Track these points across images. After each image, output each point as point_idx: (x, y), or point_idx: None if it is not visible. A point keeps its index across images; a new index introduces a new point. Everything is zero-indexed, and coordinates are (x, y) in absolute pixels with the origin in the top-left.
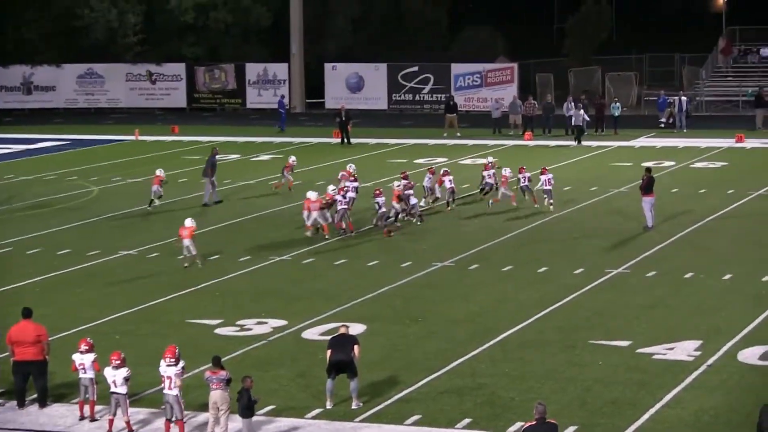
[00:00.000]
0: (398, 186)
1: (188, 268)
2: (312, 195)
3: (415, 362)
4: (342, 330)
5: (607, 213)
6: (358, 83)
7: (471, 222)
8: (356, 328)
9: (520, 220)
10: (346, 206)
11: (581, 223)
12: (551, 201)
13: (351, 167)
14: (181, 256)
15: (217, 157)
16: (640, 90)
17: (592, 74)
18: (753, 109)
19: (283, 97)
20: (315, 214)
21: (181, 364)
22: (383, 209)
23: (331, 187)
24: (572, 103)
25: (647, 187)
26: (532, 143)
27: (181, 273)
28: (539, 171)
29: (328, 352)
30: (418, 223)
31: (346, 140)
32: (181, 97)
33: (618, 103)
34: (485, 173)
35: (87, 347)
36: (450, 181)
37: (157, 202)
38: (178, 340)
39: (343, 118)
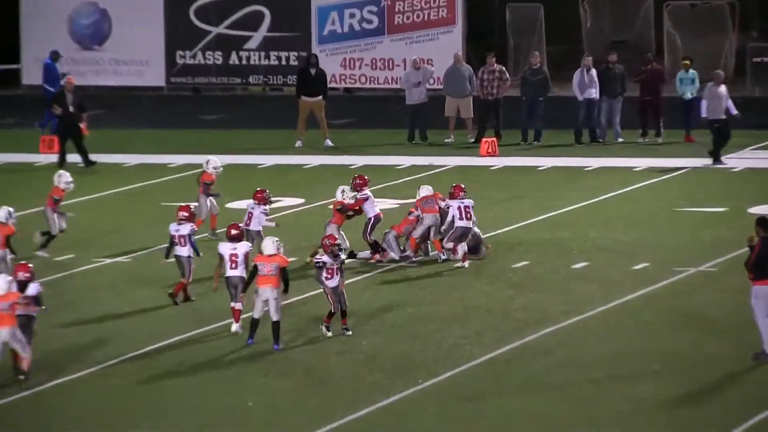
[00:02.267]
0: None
1: None
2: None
3: None
4: None
5: (669, 321)
6: (100, 29)
7: (338, 351)
8: None
9: (457, 343)
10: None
11: (599, 349)
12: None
13: (426, 189)
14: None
15: None
16: (743, 41)
17: (636, 5)
18: None
19: (52, 56)
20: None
21: None
22: None
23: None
24: (589, 71)
25: (764, 262)
26: (496, 162)
27: None
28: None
29: None
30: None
31: (83, 157)
32: None
33: (692, 72)
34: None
35: None
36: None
37: None
38: None
39: (69, 108)
